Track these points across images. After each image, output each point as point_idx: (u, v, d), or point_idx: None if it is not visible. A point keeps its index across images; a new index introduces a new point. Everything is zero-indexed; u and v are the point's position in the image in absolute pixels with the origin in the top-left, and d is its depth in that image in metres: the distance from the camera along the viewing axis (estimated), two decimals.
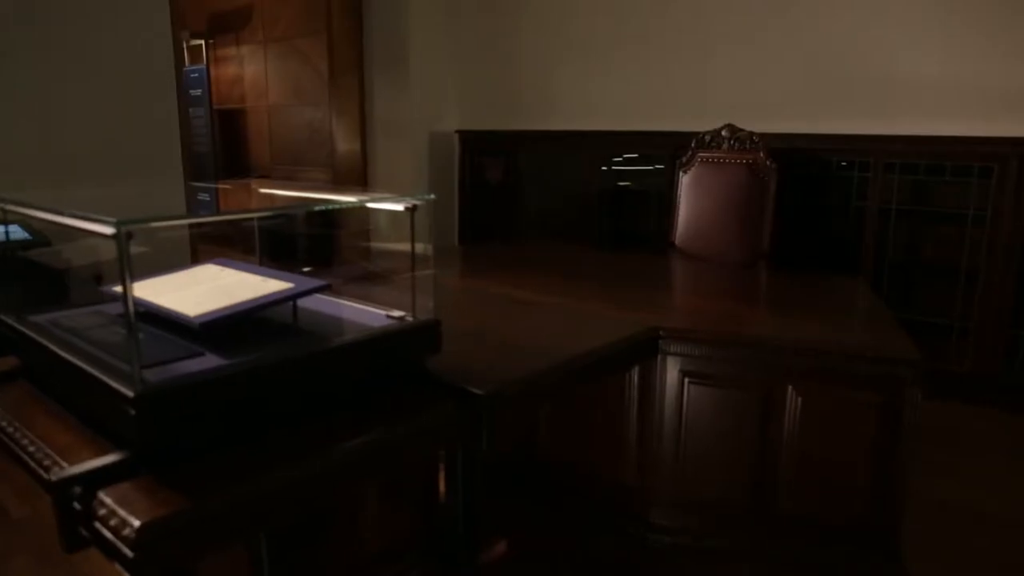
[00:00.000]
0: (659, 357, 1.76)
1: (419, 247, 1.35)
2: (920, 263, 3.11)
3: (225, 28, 6.42)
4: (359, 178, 4.93)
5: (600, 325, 1.76)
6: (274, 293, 1.27)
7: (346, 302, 1.49)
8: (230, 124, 6.65)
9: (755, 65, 3.52)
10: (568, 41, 4.19)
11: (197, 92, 6.40)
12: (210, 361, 1.10)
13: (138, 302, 1.12)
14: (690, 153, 3.13)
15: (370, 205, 1.44)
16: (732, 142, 3.04)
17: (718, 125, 3.08)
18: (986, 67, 2.95)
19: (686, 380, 1.76)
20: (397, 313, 1.38)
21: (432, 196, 1.34)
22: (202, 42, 6.36)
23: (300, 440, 1.09)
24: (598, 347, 1.57)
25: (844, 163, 3.18)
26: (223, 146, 6.66)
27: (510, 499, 2.01)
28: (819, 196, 3.24)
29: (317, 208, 1.37)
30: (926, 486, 2.21)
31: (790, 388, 1.68)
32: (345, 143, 4.94)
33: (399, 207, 1.36)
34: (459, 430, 1.27)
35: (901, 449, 1.60)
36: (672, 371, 1.76)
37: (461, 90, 4.76)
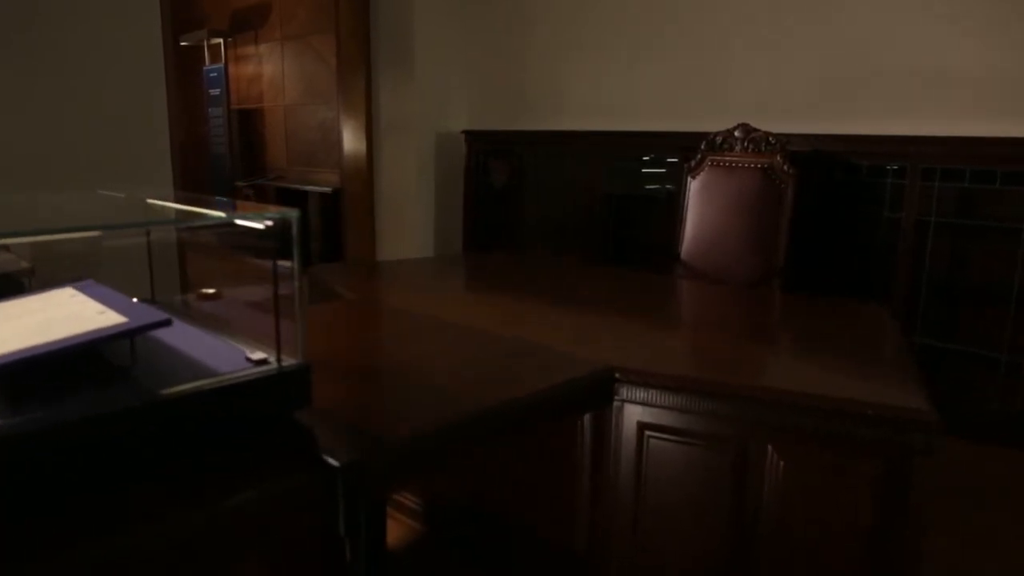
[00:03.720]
0: (615, 404, 1.47)
1: (284, 266, 1.09)
2: (964, 285, 2.69)
3: (245, 26, 6.32)
4: (365, 180, 4.72)
5: (552, 362, 1.48)
6: (79, 335, 1.03)
7: (210, 337, 1.24)
8: (249, 124, 6.55)
9: (777, 59, 3.15)
10: (578, 37, 3.89)
11: (215, 91, 6.31)
12: None
13: None
14: (699, 156, 2.81)
15: (204, 222, 1.19)
16: (746, 144, 2.70)
17: (734, 125, 2.75)
18: None
19: (645, 433, 1.46)
20: (259, 355, 1.12)
21: (296, 213, 1.08)
22: (220, 41, 6.27)
23: (115, 510, 0.85)
24: (522, 396, 1.29)
25: (875, 168, 2.79)
26: (243, 146, 6.57)
27: (446, 562, 1.74)
28: (845, 205, 2.85)
29: (156, 224, 1.13)
30: (956, 553, 1.85)
31: (770, 448, 1.36)
32: (352, 144, 4.74)
33: (259, 225, 1.10)
34: (311, 509, 1.01)
35: (905, 534, 1.27)
36: (629, 421, 1.46)
37: (469, 89, 4.50)
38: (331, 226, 5.38)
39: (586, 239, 3.75)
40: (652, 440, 1.45)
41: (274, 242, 1.09)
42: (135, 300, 1.43)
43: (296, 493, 0.99)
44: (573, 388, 1.40)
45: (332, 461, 1.00)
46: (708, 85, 3.37)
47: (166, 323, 1.09)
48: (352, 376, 1.39)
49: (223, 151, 6.37)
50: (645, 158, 3.55)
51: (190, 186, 7.68)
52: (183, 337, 1.24)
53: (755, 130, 2.69)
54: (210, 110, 6.43)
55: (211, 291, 1.56)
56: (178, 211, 1.37)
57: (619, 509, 1.51)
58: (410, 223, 4.52)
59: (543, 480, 1.66)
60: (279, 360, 1.11)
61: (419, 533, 2.00)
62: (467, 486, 1.87)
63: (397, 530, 2.01)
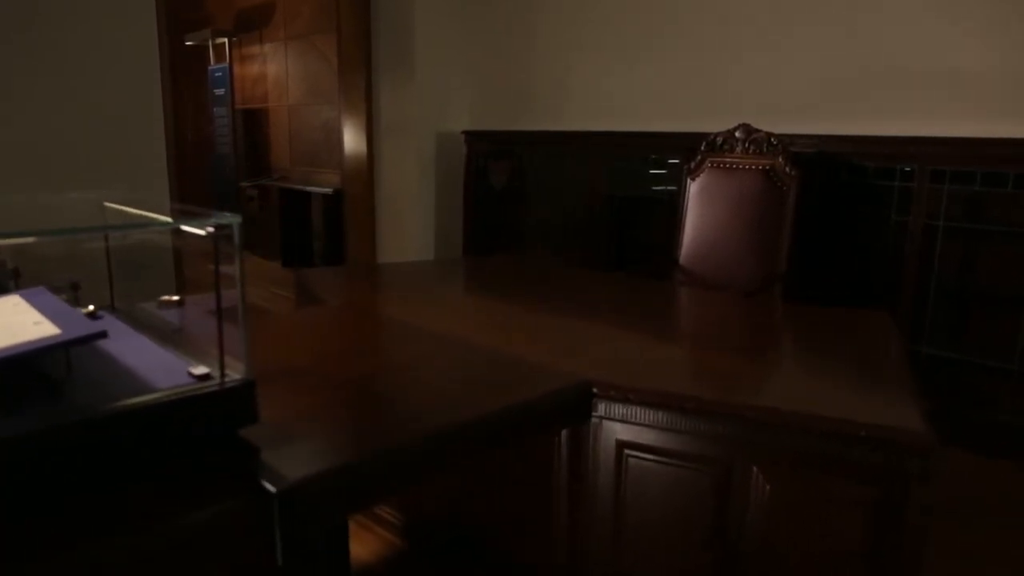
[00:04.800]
0: (593, 420, 1.39)
1: (226, 270, 1.02)
2: (973, 291, 2.58)
3: (250, 25, 6.29)
4: (366, 181, 4.66)
5: (528, 375, 1.40)
6: (5, 348, 0.97)
7: (158, 349, 1.17)
8: (254, 124, 6.52)
9: (782, 58, 3.05)
10: (579, 37, 3.80)
11: (220, 91, 6.28)
12: None
13: None
14: (699, 157, 2.72)
15: (135, 228, 1.12)
16: (747, 145, 2.60)
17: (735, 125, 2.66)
18: None
19: (624, 452, 1.37)
20: (201, 370, 1.06)
21: (238, 218, 1.01)
22: (225, 40, 6.24)
23: (21, 541, 0.78)
24: (488, 414, 1.21)
25: (882, 170, 2.68)
26: (248, 146, 6.54)
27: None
28: (850, 208, 2.74)
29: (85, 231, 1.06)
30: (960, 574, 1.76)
31: (755, 470, 1.28)
32: (352, 144, 4.68)
33: (200, 231, 1.04)
34: (247, 538, 0.94)
35: (901, 565, 1.18)
36: (608, 439, 1.38)
37: (470, 90, 4.43)
38: (333, 227, 5.33)
39: (587, 241, 3.67)
40: (631, 459, 1.37)
41: (217, 248, 1.02)
42: (85, 309, 1.37)
43: (230, 521, 0.92)
44: (547, 404, 1.32)
45: (269, 486, 0.93)
46: (711, 85, 3.28)
47: (100, 336, 1.03)
48: (318, 389, 1.32)
49: (227, 151, 6.34)
50: (647, 159, 3.46)
51: (195, 186, 7.72)
52: (130, 349, 1.18)
53: (756, 131, 2.59)
54: (215, 110, 6.40)
55: (174, 298, 1.49)
56: (131, 215, 1.31)
57: (598, 529, 1.43)
58: (411, 224, 4.46)
59: (521, 497, 1.58)
60: (222, 375, 1.04)
61: (398, 548, 1.93)
62: (447, 500, 1.80)
63: (375, 544, 1.94)
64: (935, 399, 2.61)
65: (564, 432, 1.42)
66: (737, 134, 2.63)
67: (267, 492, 0.93)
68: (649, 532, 1.39)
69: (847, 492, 1.22)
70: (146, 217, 1.18)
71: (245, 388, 1.04)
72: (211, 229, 1.02)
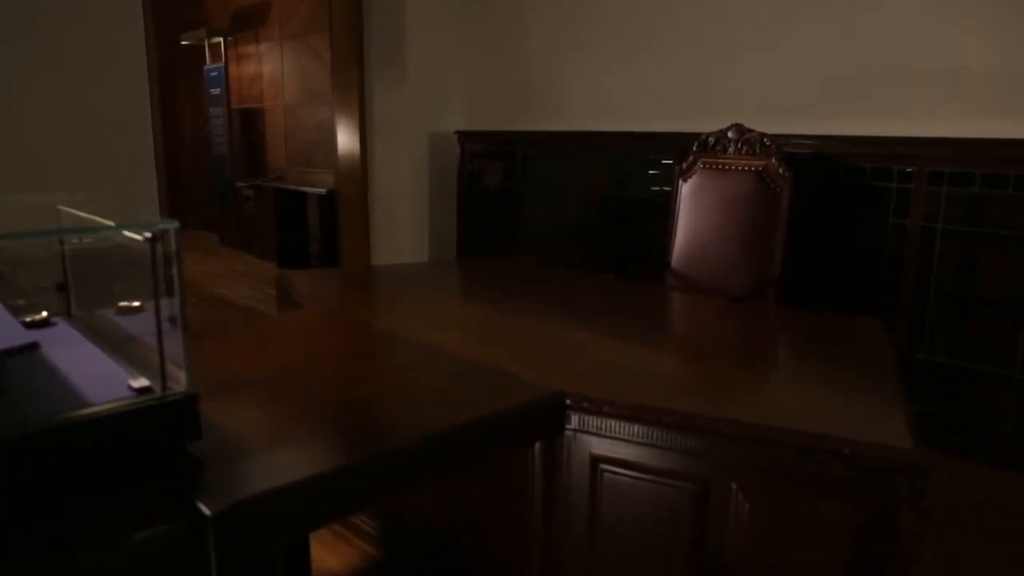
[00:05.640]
0: (567, 433, 1.33)
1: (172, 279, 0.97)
2: (974, 296, 2.50)
3: (246, 24, 6.25)
4: (360, 181, 4.61)
5: (500, 386, 1.35)
6: None
7: (104, 359, 1.12)
8: (250, 124, 6.48)
9: (780, 57, 2.97)
10: (576, 36, 3.74)
11: (216, 91, 6.24)
12: None
13: None
14: (691, 158, 2.65)
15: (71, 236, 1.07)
16: (739, 145, 2.54)
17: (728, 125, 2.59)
18: None
19: (600, 467, 1.31)
20: (142, 382, 1.00)
21: (176, 224, 0.95)
22: (221, 40, 6.20)
23: None
24: (451, 428, 1.15)
25: (879, 171, 2.61)
26: (244, 146, 6.50)
27: None
28: (847, 210, 2.67)
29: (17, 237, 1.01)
30: None
31: (734, 487, 1.22)
32: (346, 144, 4.63)
33: (137, 236, 0.98)
34: (181, 563, 0.88)
35: None
36: (582, 453, 1.32)
37: (464, 89, 4.37)
38: (328, 228, 5.28)
39: (583, 242, 3.61)
40: (607, 474, 1.31)
41: (155, 254, 0.97)
42: (38, 315, 1.32)
43: (163, 546, 0.87)
44: (515, 417, 1.26)
45: (204, 508, 0.88)
46: (709, 85, 3.21)
47: (30, 348, 0.97)
48: (282, 400, 1.27)
49: (224, 151, 6.30)
50: (644, 159, 3.39)
51: (196, 187, 7.66)
52: (75, 359, 1.13)
53: (749, 131, 2.53)
54: (211, 110, 6.36)
55: (133, 304, 1.44)
56: (83, 219, 1.25)
57: (573, 544, 1.37)
58: (404, 225, 4.40)
59: (498, 509, 1.52)
60: (163, 388, 0.99)
61: (373, 558, 1.87)
62: (424, 511, 1.74)
63: (351, 555, 1.88)
64: (934, 406, 2.54)
65: (538, 445, 1.36)
66: (730, 134, 2.56)
67: (202, 515, 0.87)
68: (625, 548, 1.33)
69: (830, 511, 1.15)
70: (93, 221, 1.13)
71: (187, 402, 0.98)
72: (148, 235, 0.97)
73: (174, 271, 0.96)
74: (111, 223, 1.06)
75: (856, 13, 2.74)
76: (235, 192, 6.28)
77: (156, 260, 0.97)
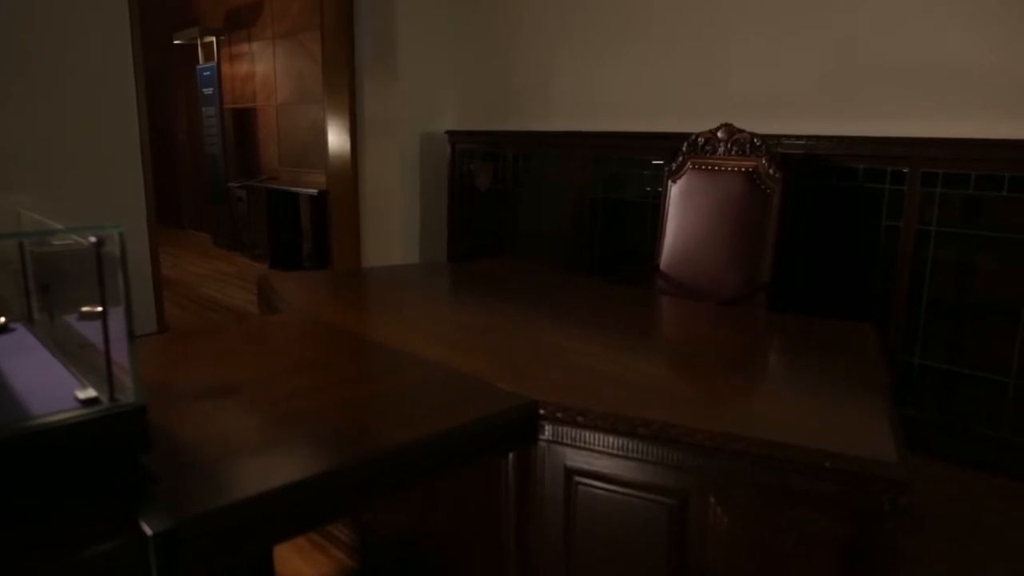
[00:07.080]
0: (540, 444, 1.28)
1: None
2: (968, 300, 2.45)
3: (239, 23, 6.20)
4: (350, 182, 4.57)
5: (469, 394, 1.30)
6: None
7: (55, 368, 1.08)
8: (243, 123, 6.43)
9: (773, 57, 2.93)
10: (567, 36, 3.70)
11: (208, 90, 6.20)
12: None
13: None
14: (681, 159, 2.61)
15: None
16: (729, 145, 2.49)
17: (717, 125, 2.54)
18: None
19: (574, 479, 1.27)
20: (88, 393, 0.96)
21: (122, 228, 0.91)
22: (213, 39, 6.15)
23: None
24: (419, 438, 1.11)
25: (872, 172, 2.56)
26: (237, 146, 6.45)
27: None
28: (839, 212, 2.62)
29: None
30: None
31: (712, 501, 1.17)
32: (337, 144, 4.59)
33: (83, 240, 0.94)
34: None
35: None
36: (555, 464, 1.28)
37: (455, 89, 4.32)
38: (321, 229, 5.24)
39: (573, 244, 3.56)
40: (581, 487, 1.26)
41: (100, 260, 0.92)
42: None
43: (104, 567, 0.82)
44: (486, 426, 1.22)
45: (146, 528, 0.83)
46: (699, 85, 3.17)
47: None
48: (248, 408, 1.23)
49: (216, 151, 6.25)
50: (634, 160, 3.35)
51: (191, 186, 7.59)
52: (27, 367, 1.09)
53: (739, 131, 2.48)
54: (204, 109, 6.32)
55: (96, 309, 1.39)
56: (40, 223, 1.21)
57: (548, 558, 1.32)
58: (395, 226, 4.36)
59: (471, 521, 1.48)
60: (111, 399, 0.94)
61: (349, 568, 1.83)
62: (400, 520, 1.70)
63: (326, 564, 1.84)
64: (928, 412, 2.50)
65: (511, 456, 1.31)
66: (719, 135, 2.52)
67: (143, 534, 0.83)
68: (601, 564, 1.29)
69: (811, 527, 1.11)
70: (44, 225, 1.09)
71: (134, 413, 0.94)
72: (93, 239, 0.92)
73: (119, 277, 0.91)
74: (60, 226, 1.02)
75: (849, 12, 2.70)
76: (228, 192, 6.24)
77: (101, 264, 0.93)
